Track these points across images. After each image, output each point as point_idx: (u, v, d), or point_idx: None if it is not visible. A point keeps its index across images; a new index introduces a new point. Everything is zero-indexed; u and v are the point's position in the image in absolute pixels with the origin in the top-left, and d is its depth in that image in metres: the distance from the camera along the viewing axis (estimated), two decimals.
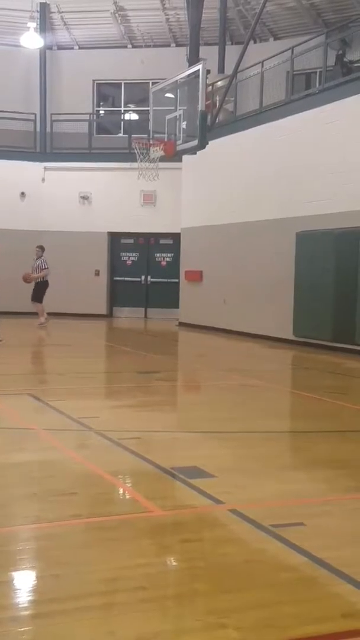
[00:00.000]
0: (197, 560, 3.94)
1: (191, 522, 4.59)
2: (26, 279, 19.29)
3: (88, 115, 24.48)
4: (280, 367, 13.45)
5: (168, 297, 22.49)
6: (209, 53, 19.36)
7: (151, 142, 17.18)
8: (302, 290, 15.53)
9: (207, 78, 15.74)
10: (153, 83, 19.23)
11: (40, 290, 19.41)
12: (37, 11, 23.66)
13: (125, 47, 24.99)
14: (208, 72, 15.91)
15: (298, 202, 15.90)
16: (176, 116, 16.36)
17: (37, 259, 19.44)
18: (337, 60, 18.18)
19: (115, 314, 23.88)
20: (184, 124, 16.20)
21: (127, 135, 22.89)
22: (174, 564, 4.01)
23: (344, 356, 13.93)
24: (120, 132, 25.28)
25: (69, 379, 10.72)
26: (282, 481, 5.55)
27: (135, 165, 17.81)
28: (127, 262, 23.88)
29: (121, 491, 5.39)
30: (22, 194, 23.27)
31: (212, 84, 19.13)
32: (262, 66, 17.78)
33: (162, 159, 16.96)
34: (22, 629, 3.16)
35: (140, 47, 24.88)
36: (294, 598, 3.50)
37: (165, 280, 23.21)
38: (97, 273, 23.56)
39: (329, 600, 3.50)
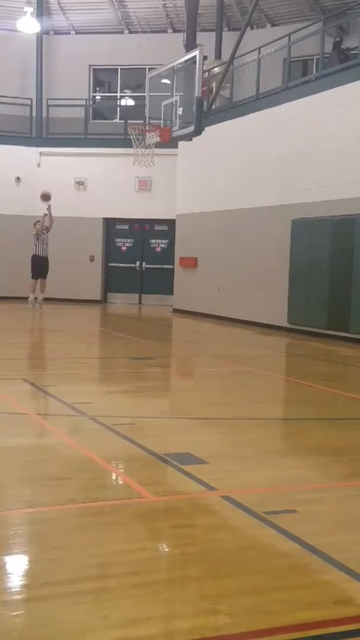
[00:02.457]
0: (190, 546, 3.95)
1: (184, 507, 4.60)
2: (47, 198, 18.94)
3: (84, 100, 24.39)
4: (274, 354, 13.46)
5: (162, 283, 22.48)
6: (206, 39, 19.27)
7: (147, 127, 17.13)
8: (297, 278, 15.54)
9: (204, 64, 15.66)
10: (150, 69, 19.14)
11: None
12: None
13: (122, 32, 24.86)
14: (205, 58, 15.81)
15: (294, 189, 15.88)
16: (172, 102, 16.29)
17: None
18: (334, 47, 18.13)
19: (109, 299, 23.86)
20: (180, 110, 16.13)
21: (123, 121, 22.83)
22: (167, 549, 4.02)
23: (338, 344, 13.96)
24: (116, 118, 25.19)
25: (63, 364, 10.72)
26: (275, 468, 5.57)
27: (131, 151, 17.76)
28: (122, 248, 23.84)
29: (114, 476, 5.39)
30: (18, 179, 23.19)
31: (209, 70, 19.04)
32: (259, 53, 17.74)
33: (158, 145, 16.91)
34: (15, 613, 3.16)
35: (137, 32, 24.76)
36: (286, 584, 3.52)
37: (159, 266, 23.18)
38: (92, 259, 23.53)
39: (321, 587, 3.51)
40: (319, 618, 3.20)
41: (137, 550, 3.85)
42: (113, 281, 23.90)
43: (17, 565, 3.75)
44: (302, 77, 18.01)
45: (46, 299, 19.92)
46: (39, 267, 19.14)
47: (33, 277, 19.36)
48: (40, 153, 23.37)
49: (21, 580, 3.57)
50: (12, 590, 3.41)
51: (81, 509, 4.49)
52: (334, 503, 4.81)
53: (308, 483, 5.24)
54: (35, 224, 19.30)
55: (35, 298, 19.14)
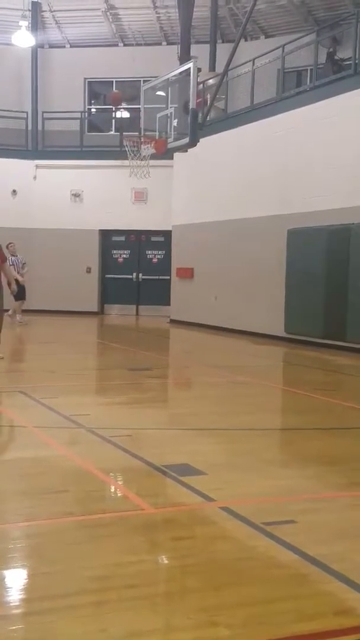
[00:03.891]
0: (189, 558, 3.94)
1: (182, 519, 4.59)
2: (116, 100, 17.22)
3: (79, 113, 24.46)
4: (271, 363, 13.45)
5: (159, 294, 22.48)
6: (200, 51, 19.34)
7: (142, 139, 17.15)
8: (294, 287, 15.55)
9: (198, 76, 15.70)
10: (144, 81, 19.19)
11: None
12: (29, 10, 23.65)
13: (117, 45, 24.96)
14: (199, 70, 15.86)
15: (289, 199, 15.91)
16: (167, 114, 16.32)
17: (15, 256, 18.84)
18: (328, 57, 18.23)
19: (106, 311, 23.87)
20: (175, 122, 16.17)
21: (118, 133, 22.87)
22: (166, 561, 4.01)
23: (335, 353, 13.95)
24: (111, 130, 25.24)
25: (60, 376, 10.70)
26: (273, 478, 5.56)
27: (126, 162, 17.79)
28: (119, 259, 23.87)
29: (112, 489, 5.38)
30: (14, 191, 23.22)
31: (203, 82, 19.10)
32: (253, 64, 17.78)
33: (153, 157, 16.94)
34: (13, 628, 3.15)
35: (132, 45, 24.84)
36: (286, 595, 3.51)
37: (156, 277, 23.20)
38: (89, 270, 23.54)
39: (321, 598, 3.50)
40: (319, 629, 3.19)
41: (136, 562, 3.84)
42: (110, 292, 23.91)
43: (16, 579, 3.74)
44: (296, 88, 18.06)
45: (44, 311, 19.98)
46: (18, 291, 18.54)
47: (16, 300, 18.84)
48: (37, 166, 23.42)
49: (19, 594, 3.56)
50: (11, 604, 3.40)
51: (79, 521, 4.48)
52: (333, 513, 4.80)
53: (306, 493, 5.24)
54: (7, 246, 18.87)
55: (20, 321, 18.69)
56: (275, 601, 3.44)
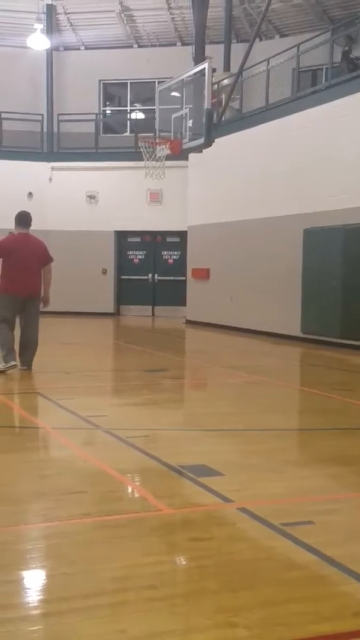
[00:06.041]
0: (206, 559, 3.94)
1: (200, 520, 4.58)
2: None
3: (94, 115, 24.55)
4: (287, 363, 13.43)
5: (175, 295, 22.50)
6: (214, 51, 19.35)
7: (157, 140, 17.19)
8: (310, 287, 15.50)
9: (212, 76, 15.71)
10: (159, 82, 19.22)
11: None
12: (44, 13, 23.76)
13: (131, 47, 25.02)
14: (214, 70, 15.87)
15: (305, 199, 15.87)
16: (182, 115, 16.34)
17: None
18: (343, 56, 18.18)
19: (122, 312, 23.92)
20: (190, 122, 16.19)
21: (133, 135, 22.93)
22: (183, 562, 4.01)
23: (352, 352, 13.90)
24: (126, 132, 25.33)
25: (77, 377, 10.72)
26: (291, 478, 5.54)
27: (141, 164, 17.81)
28: (134, 260, 23.92)
29: (130, 489, 5.39)
30: (30, 194, 23.28)
31: (218, 82, 19.10)
32: (268, 63, 17.77)
33: (168, 158, 16.96)
34: (33, 628, 3.16)
35: (146, 46, 24.90)
36: (304, 596, 3.49)
37: (172, 278, 23.23)
38: (104, 272, 23.60)
39: (340, 599, 3.49)
40: (338, 630, 3.18)
41: (154, 563, 3.84)
42: (126, 293, 23.96)
43: (35, 579, 3.75)
44: (311, 87, 18.03)
45: (59, 312, 20.02)
46: None
47: None
48: (52, 168, 23.50)
49: (39, 595, 3.57)
50: (30, 605, 3.41)
51: (97, 522, 4.48)
52: (351, 513, 4.79)
53: (324, 493, 5.22)
54: None
55: None
56: (293, 602, 3.43)
